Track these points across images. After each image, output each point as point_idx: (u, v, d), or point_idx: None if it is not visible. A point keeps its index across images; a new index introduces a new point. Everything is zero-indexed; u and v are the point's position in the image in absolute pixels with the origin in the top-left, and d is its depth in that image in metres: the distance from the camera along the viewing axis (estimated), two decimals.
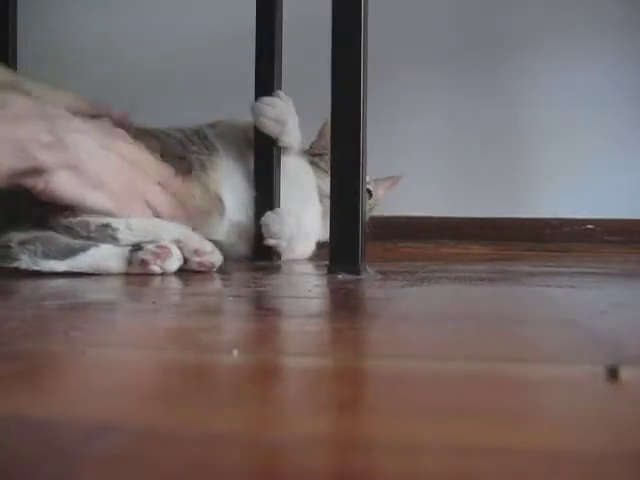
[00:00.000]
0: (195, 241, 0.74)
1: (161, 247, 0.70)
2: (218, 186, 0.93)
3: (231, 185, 0.96)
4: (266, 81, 1.01)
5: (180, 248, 0.73)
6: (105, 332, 0.38)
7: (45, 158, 0.66)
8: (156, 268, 0.69)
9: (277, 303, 0.54)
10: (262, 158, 1.00)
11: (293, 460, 0.17)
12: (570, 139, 1.45)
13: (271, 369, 0.28)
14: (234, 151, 1.00)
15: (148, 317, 0.44)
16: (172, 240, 0.73)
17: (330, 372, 0.28)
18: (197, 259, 0.74)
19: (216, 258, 0.76)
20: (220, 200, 0.93)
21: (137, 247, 0.70)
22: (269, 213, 0.98)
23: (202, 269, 0.74)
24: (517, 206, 1.46)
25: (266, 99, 0.99)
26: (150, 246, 0.70)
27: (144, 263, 0.69)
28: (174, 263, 0.71)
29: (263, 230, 0.97)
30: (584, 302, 0.53)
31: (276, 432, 0.19)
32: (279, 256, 1.00)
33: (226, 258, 0.80)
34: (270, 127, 0.99)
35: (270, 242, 0.98)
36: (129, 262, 0.70)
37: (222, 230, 0.93)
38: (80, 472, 0.16)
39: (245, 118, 1.02)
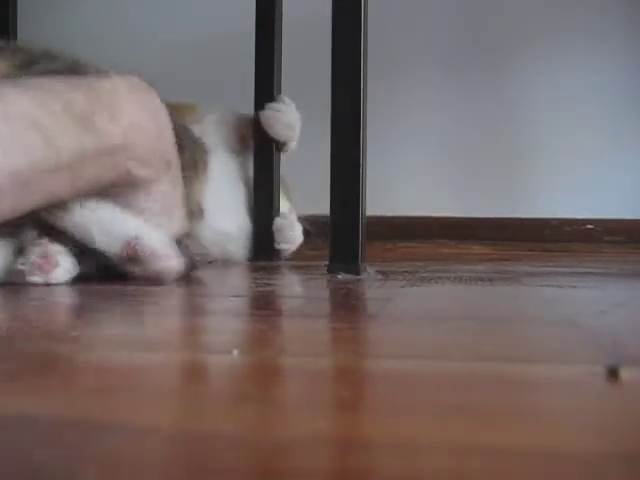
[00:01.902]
0: (152, 241, 0.63)
1: (45, 257, 0.60)
2: (203, 193, 0.88)
3: (219, 191, 0.93)
4: (266, 81, 1.01)
5: (134, 248, 0.62)
6: (105, 333, 0.38)
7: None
8: (37, 279, 0.60)
9: (277, 303, 0.54)
10: (262, 158, 1.00)
11: (293, 460, 0.17)
12: (570, 139, 1.45)
13: (271, 369, 0.28)
14: (225, 152, 0.98)
15: (147, 318, 0.44)
16: (126, 237, 0.62)
17: (330, 372, 0.28)
18: (153, 265, 0.63)
19: (176, 263, 0.64)
20: (200, 210, 0.88)
21: (21, 250, 0.61)
22: (279, 219, 0.99)
23: (159, 275, 0.63)
24: (517, 206, 1.46)
25: (275, 105, 0.98)
26: (34, 254, 0.61)
27: (21, 274, 0.60)
28: (60, 275, 0.61)
29: (276, 235, 0.99)
30: (584, 302, 0.53)
31: (276, 432, 0.19)
32: (279, 256, 1.00)
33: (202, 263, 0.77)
34: (282, 133, 0.98)
35: (283, 247, 0.99)
36: (9, 270, 0.61)
37: (199, 240, 0.90)
38: (80, 472, 0.16)
39: (230, 112, 1.01)
